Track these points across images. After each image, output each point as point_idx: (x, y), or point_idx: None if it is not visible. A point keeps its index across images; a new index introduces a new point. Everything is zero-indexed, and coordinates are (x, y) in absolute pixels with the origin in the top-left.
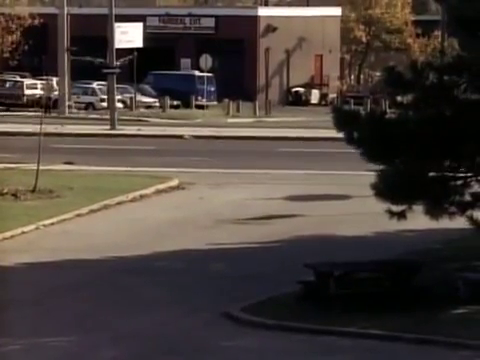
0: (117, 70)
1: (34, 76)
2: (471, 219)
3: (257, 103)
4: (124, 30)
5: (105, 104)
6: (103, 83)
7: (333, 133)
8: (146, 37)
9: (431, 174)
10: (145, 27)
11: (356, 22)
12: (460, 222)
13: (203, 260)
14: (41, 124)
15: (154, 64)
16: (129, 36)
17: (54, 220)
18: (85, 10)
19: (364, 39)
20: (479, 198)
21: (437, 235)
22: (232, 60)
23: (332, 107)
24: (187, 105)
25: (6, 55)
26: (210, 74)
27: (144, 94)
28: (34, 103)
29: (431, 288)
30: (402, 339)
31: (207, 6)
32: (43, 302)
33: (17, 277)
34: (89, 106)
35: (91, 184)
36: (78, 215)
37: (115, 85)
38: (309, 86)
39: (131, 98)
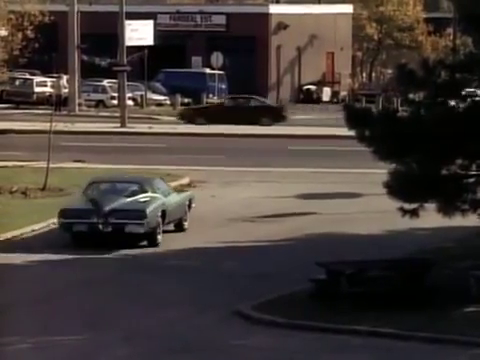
0: (127, 68)
1: (44, 74)
2: None
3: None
4: (135, 28)
5: (115, 102)
6: (113, 81)
7: (344, 131)
8: (157, 35)
9: (443, 172)
10: (156, 25)
11: (368, 20)
12: (472, 220)
13: (214, 258)
14: (51, 122)
15: (165, 62)
16: (140, 34)
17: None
18: (95, 7)
19: (376, 37)
20: None
21: (448, 233)
22: (243, 58)
23: (343, 105)
24: (198, 103)
25: (16, 53)
26: (221, 72)
27: (155, 92)
28: (44, 101)
29: (442, 286)
30: (414, 338)
31: (218, 3)
32: (54, 300)
33: (27, 275)
34: (99, 104)
35: None
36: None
37: (126, 83)
38: (321, 84)
39: (142, 96)
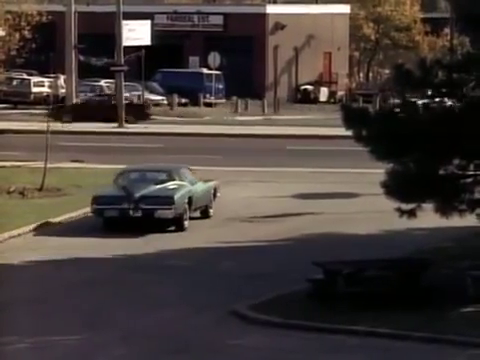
0: (125, 68)
1: (41, 74)
2: None
3: (265, 101)
4: (132, 28)
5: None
6: (111, 81)
7: (342, 131)
8: (154, 35)
9: (441, 172)
10: (153, 25)
11: (365, 20)
12: (470, 220)
13: (212, 258)
14: (48, 122)
15: (162, 62)
16: (137, 34)
17: (62, 218)
18: (93, 8)
19: (373, 37)
20: None
21: (446, 233)
22: (240, 58)
23: (341, 105)
24: (195, 103)
25: (13, 53)
26: (218, 72)
27: (152, 92)
28: (41, 101)
29: (440, 287)
30: (411, 338)
31: (215, 4)
32: (52, 300)
33: (25, 275)
34: None
35: (99, 182)
36: (86, 213)
37: (123, 83)
38: (318, 84)
39: (139, 96)
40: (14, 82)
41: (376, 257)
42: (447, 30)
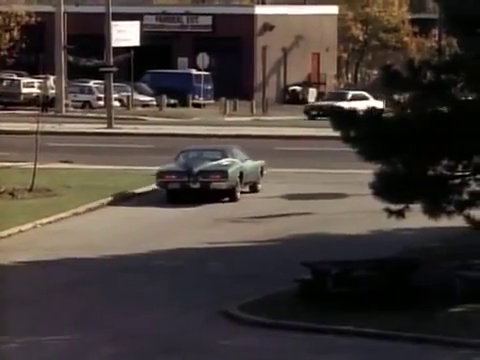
0: (114, 69)
1: (31, 74)
2: (469, 218)
3: (254, 101)
4: (121, 28)
5: (102, 103)
6: (100, 81)
7: (330, 132)
8: (143, 35)
9: (429, 173)
10: (142, 25)
11: (353, 20)
12: (458, 221)
13: (201, 259)
14: (38, 123)
15: (151, 63)
16: (126, 34)
17: (51, 219)
18: (82, 8)
19: (361, 38)
20: (477, 197)
21: (434, 234)
22: (229, 58)
23: (330, 106)
24: (184, 104)
25: (3, 53)
26: (207, 72)
27: (141, 93)
28: (31, 102)
29: (428, 287)
30: (399, 338)
31: (204, 4)
32: (41, 301)
33: (15, 276)
34: (86, 104)
35: (88, 183)
36: (75, 214)
37: (112, 83)
38: (306, 84)
39: (128, 97)
40: (4, 83)
41: (364, 257)
42: (435, 31)
